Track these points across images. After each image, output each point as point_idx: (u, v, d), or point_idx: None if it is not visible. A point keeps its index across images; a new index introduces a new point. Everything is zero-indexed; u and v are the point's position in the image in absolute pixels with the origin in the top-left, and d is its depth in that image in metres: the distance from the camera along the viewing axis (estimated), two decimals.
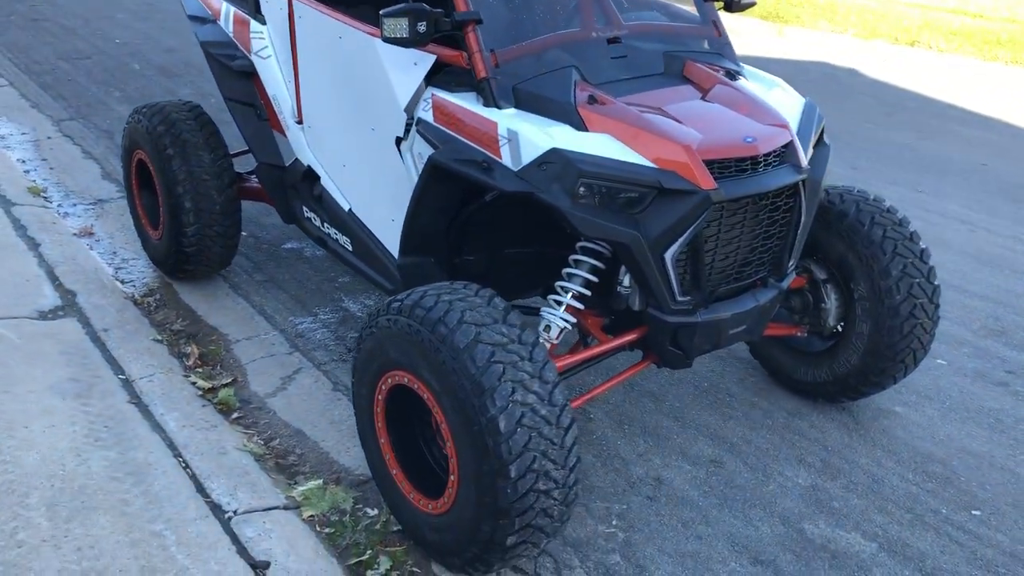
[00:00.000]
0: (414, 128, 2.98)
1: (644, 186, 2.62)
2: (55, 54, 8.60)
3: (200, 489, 2.97)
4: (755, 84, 3.21)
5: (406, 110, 3.03)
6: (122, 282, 4.45)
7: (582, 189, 2.62)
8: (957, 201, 6.34)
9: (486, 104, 2.82)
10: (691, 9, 3.44)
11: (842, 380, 3.52)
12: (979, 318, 4.58)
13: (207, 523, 2.81)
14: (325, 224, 3.71)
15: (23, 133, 6.45)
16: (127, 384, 3.49)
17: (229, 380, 3.68)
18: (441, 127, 2.88)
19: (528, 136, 2.67)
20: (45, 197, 5.34)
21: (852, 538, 2.99)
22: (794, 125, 2.98)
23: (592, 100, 2.79)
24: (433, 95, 2.94)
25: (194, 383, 3.61)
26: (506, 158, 2.70)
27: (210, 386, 3.62)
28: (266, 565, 2.68)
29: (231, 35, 3.99)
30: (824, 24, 13.82)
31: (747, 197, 2.72)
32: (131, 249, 4.77)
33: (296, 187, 3.86)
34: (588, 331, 3.13)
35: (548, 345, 2.91)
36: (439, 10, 2.80)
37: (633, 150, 2.66)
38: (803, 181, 2.86)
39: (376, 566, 2.78)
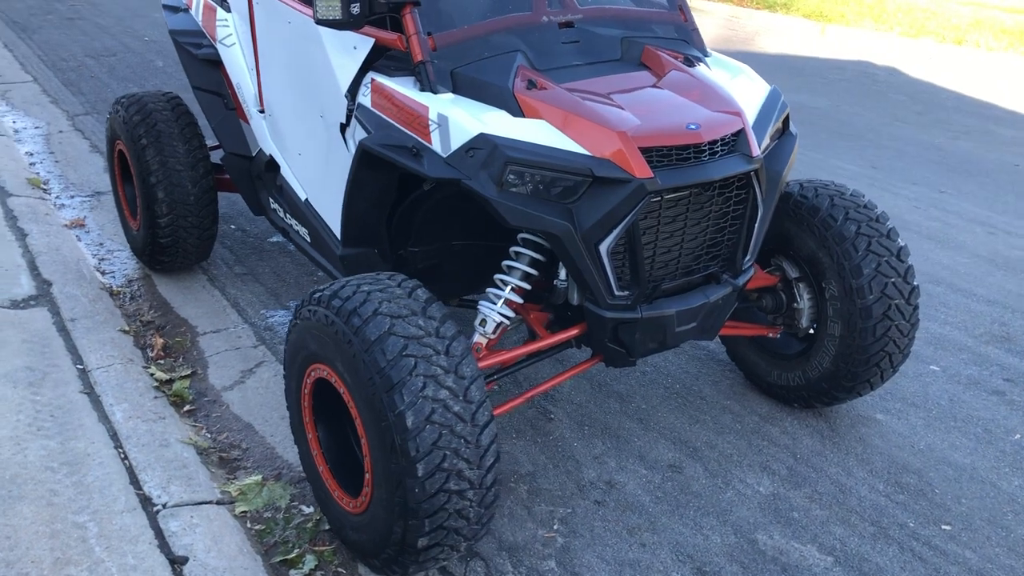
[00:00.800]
0: (354, 113, 2.90)
1: (575, 174, 2.50)
2: (83, 51, 8.73)
3: (134, 481, 2.92)
4: (718, 71, 3.07)
5: (347, 95, 2.95)
6: (103, 273, 4.45)
7: (511, 176, 2.51)
8: (980, 203, 6.06)
9: (422, 88, 2.72)
10: None
11: (815, 384, 3.35)
12: (983, 323, 4.34)
13: (133, 516, 2.76)
14: (287, 215, 3.65)
15: (36, 127, 6.54)
16: (83, 374, 3.46)
17: (188, 372, 3.64)
18: (377, 112, 2.80)
19: (458, 121, 2.56)
20: (44, 189, 5.39)
21: (807, 551, 2.83)
22: (751, 113, 2.84)
23: (531, 85, 2.68)
24: (372, 80, 2.85)
25: (152, 374, 3.57)
26: (436, 144, 2.60)
27: (168, 378, 3.58)
28: (184, 560, 2.61)
29: (200, 24, 3.96)
30: (869, 23, 13.45)
31: (688, 187, 2.58)
32: (119, 241, 4.78)
33: (261, 177, 3.81)
34: (531, 327, 3.01)
35: (484, 340, 2.80)
36: None
37: (568, 137, 2.54)
38: (756, 172, 2.71)
39: (301, 565, 2.70)
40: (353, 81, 2.91)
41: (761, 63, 10.07)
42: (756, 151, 2.70)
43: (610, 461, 3.21)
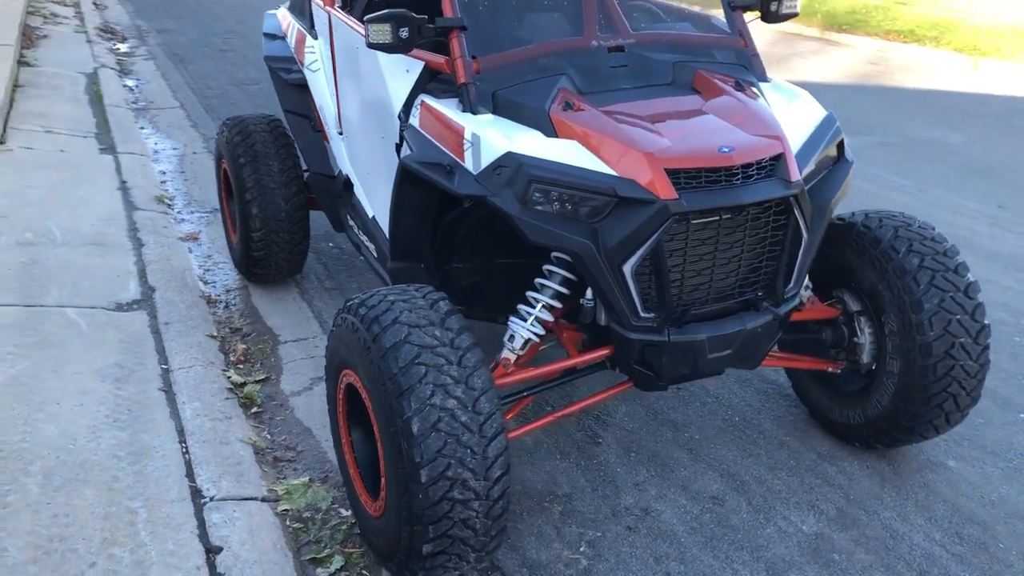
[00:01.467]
0: (404, 133, 3.02)
1: (599, 193, 2.52)
2: (228, 80, 9.35)
3: (189, 474, 3.10)
4: (773, 96, 3.02)
5: (400, 116, 3.07)
6: (205, 282, 4.75)
7: (537, 195, 2.55)
8: None
9: (463, 109, 2.81)
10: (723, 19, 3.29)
11: (874, 423, 3.20)
12: None
13: (182, 505, 2.94)
14: (360, 232, 3.81)
15: (174, 148, 7.05)
16: (165, 374, 3.71)
17: (262, 377, 3.84)
18: (423, 132, 2.90)
19: (488, 140, 2.64)
20: (169, 204, 5.80)
21: None
22: (798, 138, 2.78)
23: (568, 106, 2.72)
24: (422, 101, 2.96)
25: (228, 377, 3.79)
26: (468, 162, 2.68)
27: (242, 381, 3.78)
28: (218, 550, 2.76)
29: (292, 50, 4.20)
30: None
31: (716, 210, 2.55)
32: (226, 254, 5.09)
33: (340, 196, 4.00)
34: (565, 346, 3.02)
35: (513, 356, 2.84)
36: (423, 16, 2.83)
37: (597, 157, 2.57)
38: (796, 197, 2.64)
39: (328, 564, 2.80)
40: (406, 102, 3.04)
41: (902, 99, 9.69)
42: (796, 176, 2.64)
43: (651, 489, 3.16)
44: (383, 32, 2.80)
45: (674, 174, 2.51)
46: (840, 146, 2.94)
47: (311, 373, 3.88)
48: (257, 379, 3.82)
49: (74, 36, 10.71)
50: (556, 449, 3.37)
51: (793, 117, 2.88)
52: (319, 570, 2.77)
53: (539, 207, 2.56)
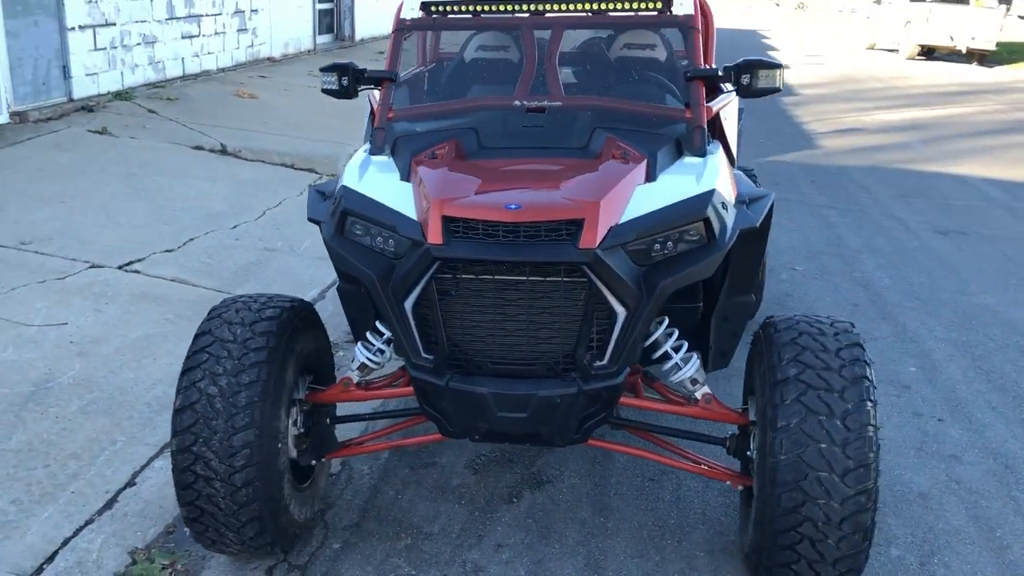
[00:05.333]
0: None
1: (387, 229, 2.69)
2: None
3: None
4: (674, 171, 2.83)
5: None
6: None
7: (357, 228, 2.78)
8: None
9: (370, 151, 3.12)
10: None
11: (750, 557, 2.75)
12: None
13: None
14: None
15: None
16: None
17: None
18: None
19: (344, 175, 2.93)
20: None
21: None
22: (636, 212, 2.61)
23: (433, 156, 2.90)
24: None
25: None
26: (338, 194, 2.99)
27: None
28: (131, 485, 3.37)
29: None
30: None
31: (487, 263, 2.53)
32: None
33: None
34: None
35: (355, 376, 3.02)
36: (363, 68, 3.22)
37: (413, 200, 2.73)
38: (590, 266, 2.50)
39: None
40: None
41: None
42: (591, 244, 2.50)
43: (504, 553, 3.08)
44: (331, 80, 3.25)
45: (454, 223, 2.57)
46: (709, 228, 2.66)
47: None
48: None
49: None
50: (481, 492, 3.41)
51: (655, 191, 2.70)
52: None
53: (356, 239, 2.78)
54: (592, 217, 2.53)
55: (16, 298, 4.77)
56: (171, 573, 2.99)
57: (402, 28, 3.28)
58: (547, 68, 3.19)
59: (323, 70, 3.27)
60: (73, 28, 8.84)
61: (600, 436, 2.93)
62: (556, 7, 3.22)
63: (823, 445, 2.47)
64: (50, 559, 2.96)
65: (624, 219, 2.60)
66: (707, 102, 3.17)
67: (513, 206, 2.54)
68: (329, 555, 3.08)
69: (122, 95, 9.45)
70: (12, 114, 8.09)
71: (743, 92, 3.07)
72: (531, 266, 2.54)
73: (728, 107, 3.32)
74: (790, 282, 5.89)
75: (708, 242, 2.67)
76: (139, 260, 5.46)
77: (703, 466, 2.96)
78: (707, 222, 2.65)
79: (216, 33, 11.70)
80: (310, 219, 2.97)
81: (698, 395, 2.90)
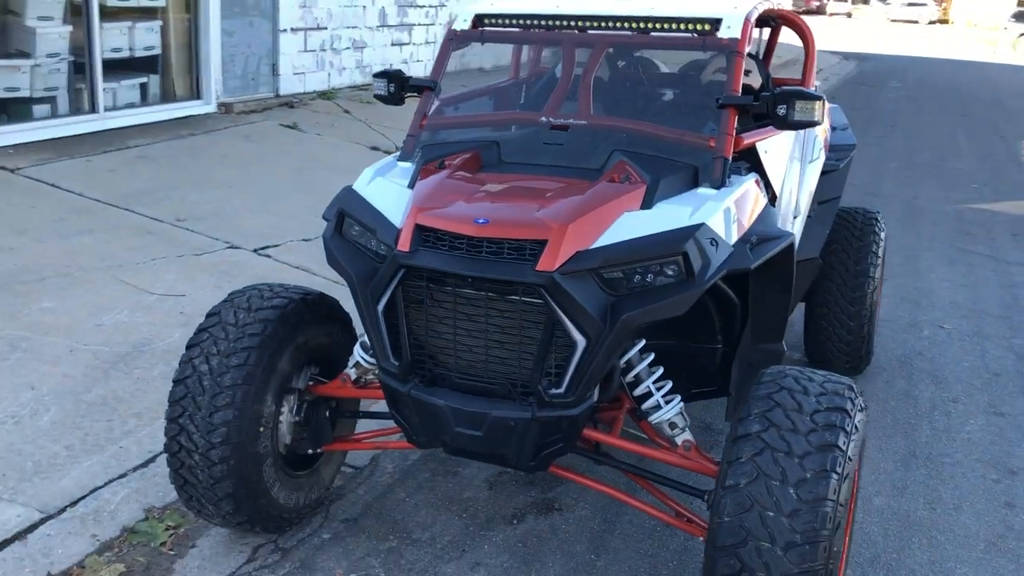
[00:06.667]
0: None
1: (369, 230, 2.74)
2: None
3: None
4: (676, 202, 2.68)
5: None
6: None
7: (355, 229, 2.85)
8: None
9: (400, 157, 3.18)
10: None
11: None
12: None
13: None
14: None
15: None
16: None
17: None
18: None
19: (359, 178, 3.01)
20: None
21: None
22: (610, 239, 2.50)
23: (441, 165, 2.93)
24: None
25: None
26: None
27: None
28: None
29: None
30: None
31: (449, 276, 2.52)
32: None
33: None
34: None
35: (352, 374, 3.08)
36: (409, 76, 3.29)
37: (405, 207, 2.77)
38: (547, 289, 2.43)
39: None
40: None
41: None
42: (549, 267, 2.42)
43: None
44: (381, 86, 3.35)
45: (426, 232, 2.58)
46: (688, 264, 2.48)
47: None
48: None
49: None
50: (487, 509, 3.38)
51: (643, 219, 2.57)
52: None
53: (352, 240, 2.85)
54: (556, 239, 2.45)
55: (152, 268, 5.26)
56: (172, 535, 3.19)
57: (451, 39, 3.32)
58: (581, 86, 3.11)
59: (375, 76, 3.37)
60: (285, 30, 9.61)
61: (570, 466, 2.82)
62: (602, 24, 3.14)
63: (770, 513, 2.24)
64: (74, 503, 3.24)
65: (596, 244, 2.49)
66: (747, 132, 2.98)
67: (481, 220, 2.51)
68: (315, 544, 3.17)
69: (326, 95, 10.15)
70: (220, 104, 8.92)
71: (779, 124, 2.85)
72: (489, 283, 2.50)
73: (772, 140, 3.08)
74: (929, 340, 5.35)
75: (687, 278, 2.50)
76: (274, 246, 5.85)
77: (678, 516, 2.77)
78: (686, 257, 2.49)
79: (427, 42, 12.29)
80: (324, 217, 3.07)
81: (678, 440, 2.72)
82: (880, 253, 4.42)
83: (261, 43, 9.38)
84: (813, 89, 4.12)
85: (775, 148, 3.07)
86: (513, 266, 2.46)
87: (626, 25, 3.12)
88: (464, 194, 2.68)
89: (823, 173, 4.27)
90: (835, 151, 4.40)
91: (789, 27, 3.97)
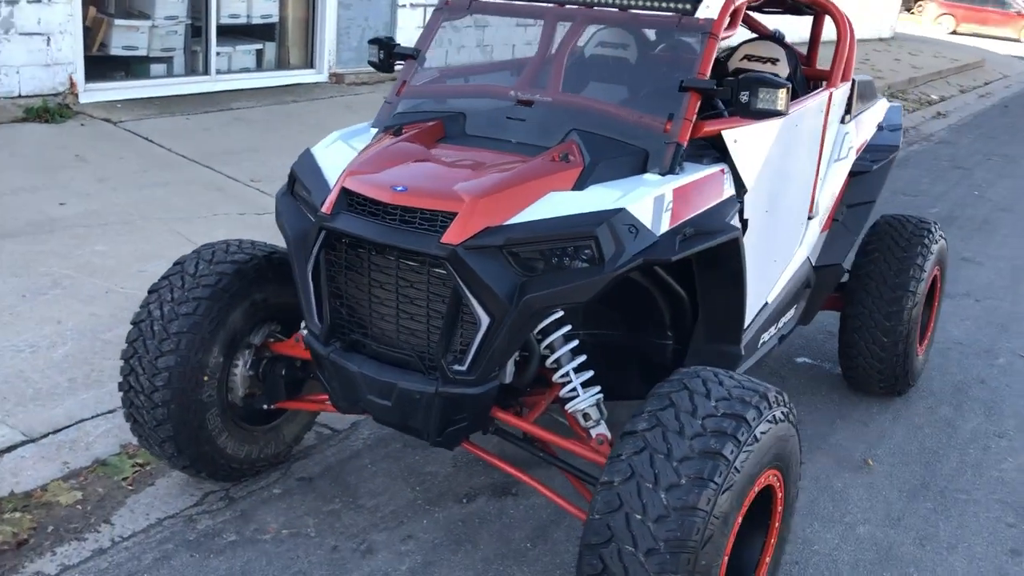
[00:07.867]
0: None
1: (307, 191, 2.76)
2: None
3: None
4: (611, 186, 2.57)
5: None
6: None
7: (303, 191, 2.88)
8: None
9: (372, 123, 3.19)
10: None
11: None
12: None
13: None
14: None
15: None
16: None
17: None
18: None
19: (320, 142, 3.05)
20: None
21: None
22: (529, 216, 2.43)
23: (398, 132, 2.92)
24: None
25: None
26: None
27: None
28: None
29: None
30: None
31: (351, 237, 2.51)
32: None
33: None
34: None
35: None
36: (396, 43, 3.29)
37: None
38: (449, 262, 2.38)
39: None
40: None
41: None
42: (452, 240, 2.36)
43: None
44: (374, 52, 3.36)
45: (351, 196, 2.58)
46: (599, 249, 2.37)
47: None
48: None
49: None
50: (442, 484, 3.36)
51: (567, 200, 2.48)
52: None
53: (300, 200, 2.88)
54: (466, 212, 2.38)
55: (211, 222, 5.48)
56: (137, 472, 3.33)
57: (441, 8, 3.28)
58: (554, 62, 3.01)
59: (369, 43, 3.38)
60: (404, 5, 9.78)
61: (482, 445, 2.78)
62: None
63: (636, 515, 2.12)
64: (56, 431, 3.44)
65: (510, 222, 2.42)
66: (713, 120, 2.81)
67: (400, 188, 2.49)
68: (263, 497, 3.23)
69: None
70: (331, 75, 9.18)
71: (741, 111, 2.66)
72: (399, 251, 2.47)
73: (745, 129, 2.87)
74: (1001, 369, 4.91)
75: (597, 263, 2.39)
76: None
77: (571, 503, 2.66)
78: (597, 241, 2.37)
79: None
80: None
81: (593, 433, 2.61)
82: (926, 267, 4.07)
83: (379, 17, 9.59)
84: (856, 78, 3.85)
85: (750, 138, 2.87)
86: (421, 236, 2.42)
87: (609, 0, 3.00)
88: (398, 162, 2.65)
89: (854, 174, 3.97)
90: (871, 151, 4.07)
91: (823, 12, 3.71)
